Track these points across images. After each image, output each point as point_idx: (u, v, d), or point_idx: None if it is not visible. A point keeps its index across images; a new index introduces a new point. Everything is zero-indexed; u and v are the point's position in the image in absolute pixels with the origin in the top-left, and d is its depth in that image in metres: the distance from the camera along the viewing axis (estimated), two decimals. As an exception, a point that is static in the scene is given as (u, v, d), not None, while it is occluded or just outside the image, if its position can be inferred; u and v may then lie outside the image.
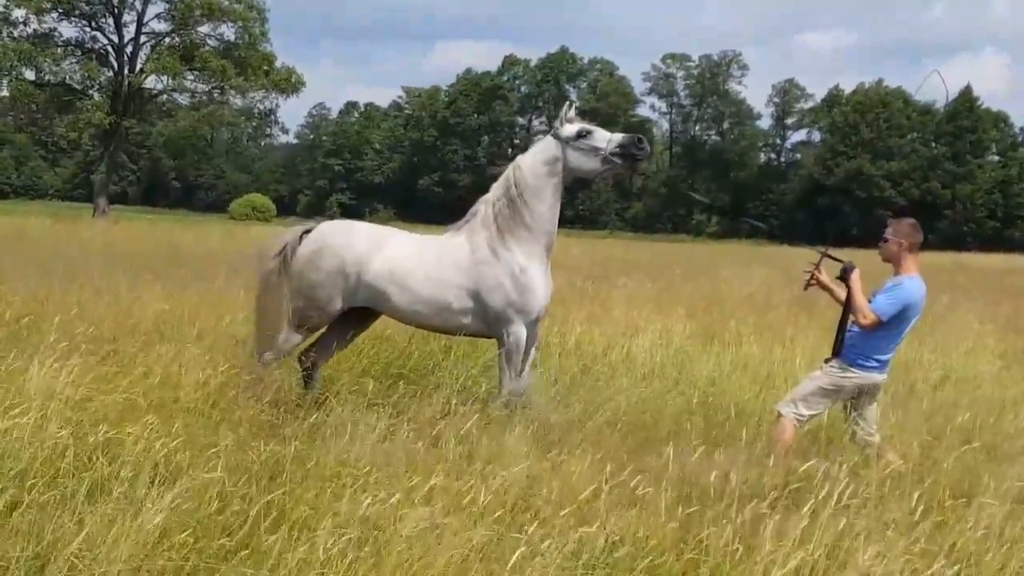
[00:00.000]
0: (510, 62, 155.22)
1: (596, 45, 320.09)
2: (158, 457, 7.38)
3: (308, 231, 10.81)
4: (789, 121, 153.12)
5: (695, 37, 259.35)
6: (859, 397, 9.67)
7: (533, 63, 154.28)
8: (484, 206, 10.55)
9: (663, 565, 6.54)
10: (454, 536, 6.36)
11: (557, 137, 10.31)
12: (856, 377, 9.57)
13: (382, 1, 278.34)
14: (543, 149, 10.43)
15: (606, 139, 10.20)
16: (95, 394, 8.54)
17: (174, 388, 9.35)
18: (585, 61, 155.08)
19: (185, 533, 6.28)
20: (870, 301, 9.48)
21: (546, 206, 10.30)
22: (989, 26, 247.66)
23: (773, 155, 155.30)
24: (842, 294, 9.82)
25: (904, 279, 9.54)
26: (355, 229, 10.85)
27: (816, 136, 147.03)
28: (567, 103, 10.76)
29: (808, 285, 10.01)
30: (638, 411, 10.43)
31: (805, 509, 7.04)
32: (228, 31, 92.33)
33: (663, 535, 6.75)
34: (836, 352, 9.74)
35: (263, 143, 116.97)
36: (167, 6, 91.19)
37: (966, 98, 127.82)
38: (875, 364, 9.61)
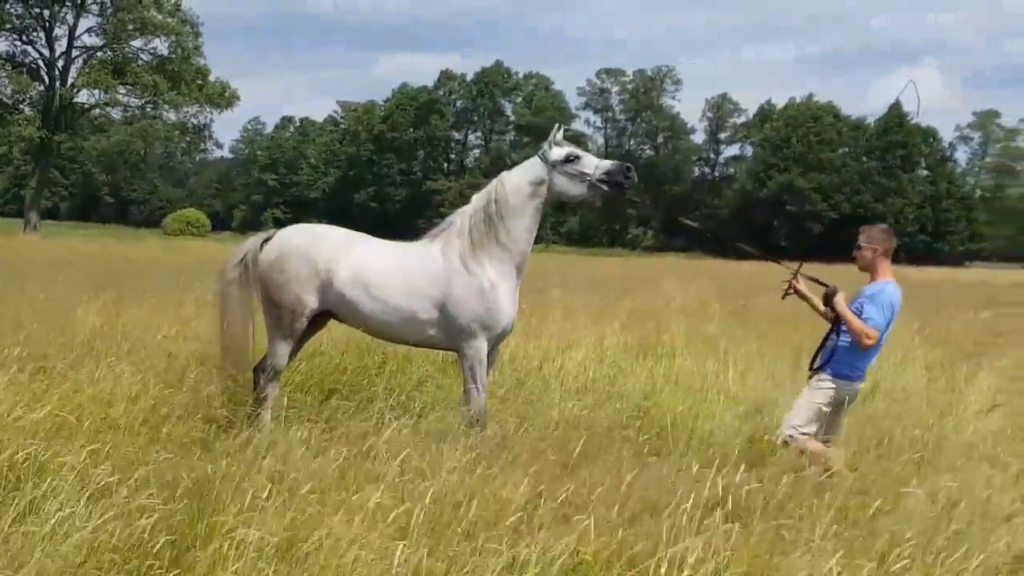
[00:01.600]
0: (446, 77, 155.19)
1: (532, 59, 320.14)
2: (87, 476, 7.31)
3: (269, 239, 10.70)
4: (723, 136, 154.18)
5: (630, 51, 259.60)
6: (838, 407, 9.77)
7: (469, 78, 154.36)
8: (460, 218, 10.40)
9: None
10: (382, 551, 6.35)
11: (545, 159, 10.20)
12: (847, 388, 9.67)
13: (316, 16, 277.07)
14: (529, 169, 10.31)
15: (594, 165, 10.12)
16: (24, 412, 8.45)
17: (105, 405, 9.27)
18: (520, 75, 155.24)
19: (113, 552, 6.23)
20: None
21: (524, 226, 10.22)
22: (925, 42, 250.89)
23: (707, 169, 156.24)
24: (820, 304, 9.94)
25: (883, 284, 9.64)
26: (322, 231, 10.74)
27: (749, 150, 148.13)
28: (556, 125, 10.68)
29: (786, 294, 10.09)
30: (571, 425, 10.45)
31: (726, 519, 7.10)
32: (161, 45, 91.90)
33: (595, 550, 6.77)
34: (814, 366, 9.81)
35: (197, 158, 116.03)
36: (99, 20, 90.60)
37: (896, 113, 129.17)
38: (860, 374, 9.74)
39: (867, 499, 8.17)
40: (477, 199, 10.42)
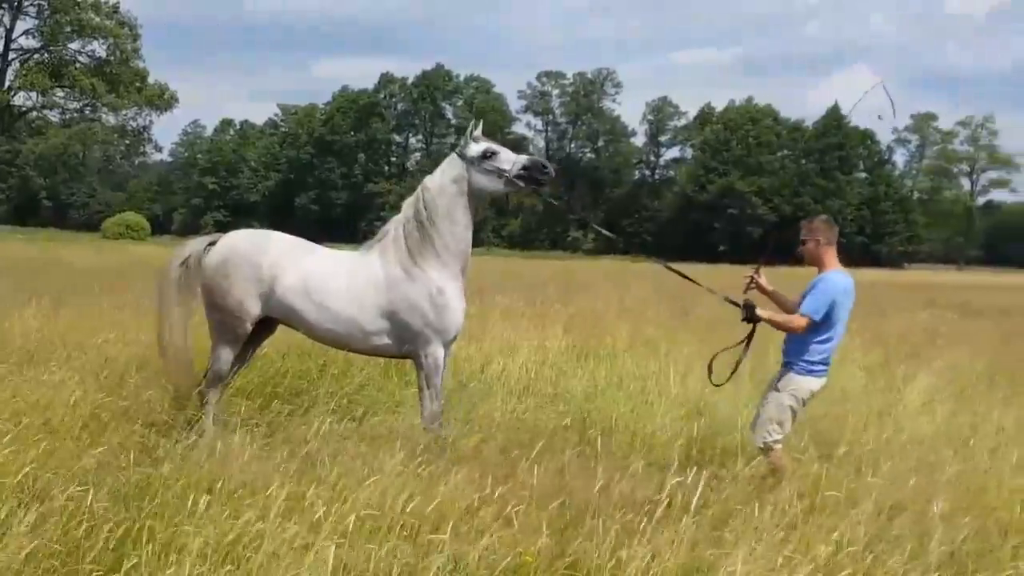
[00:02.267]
0: (387, 80, 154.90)
1: (472, 62, 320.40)
2: (25, 480, 7.26)
3: (213, 242, 10.59)
4: (663, 138, 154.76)
5: (571, 53, 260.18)
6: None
7: (410, 81, 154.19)
8: (394, 227, 10.28)
9: (537, 580, 6.60)
10: (323, 554, 6.35)
11: (462, 156, 10.07)
12: (814, 384, 9.65)
13: (256, 18, 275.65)
14: (448, 168, 10.17)
15: (511, 161, 9.98)
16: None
17: (44, 410, 9.20)
18: (461, 79, 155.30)
19: (52, 558, 6.20)
20: (799, 304, 9.62)
21: (459, 226, 10.07)
22: (863, 45, 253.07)
23: (647, 172, 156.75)
24: (779, 296, 9.98)
25: (828, 274, 9.57)
26: (268, 237, 10.62)
27: (690, 153, 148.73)
28: (473, 122, 10.56)
29: (748, 288, 10.06)
30: (514, 427, 10.46)
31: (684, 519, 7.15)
32: (99, 48, 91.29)
33: (537, 550, 6.79)
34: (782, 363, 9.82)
35: (136, 161, 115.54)
36: (36, 22, 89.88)
37: (834, 116, 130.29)
38: (822, 368, 9.66)
39: (807, 500, 8.25)
40: (407, 206, 10.31)
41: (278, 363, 12.56)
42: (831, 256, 9.70)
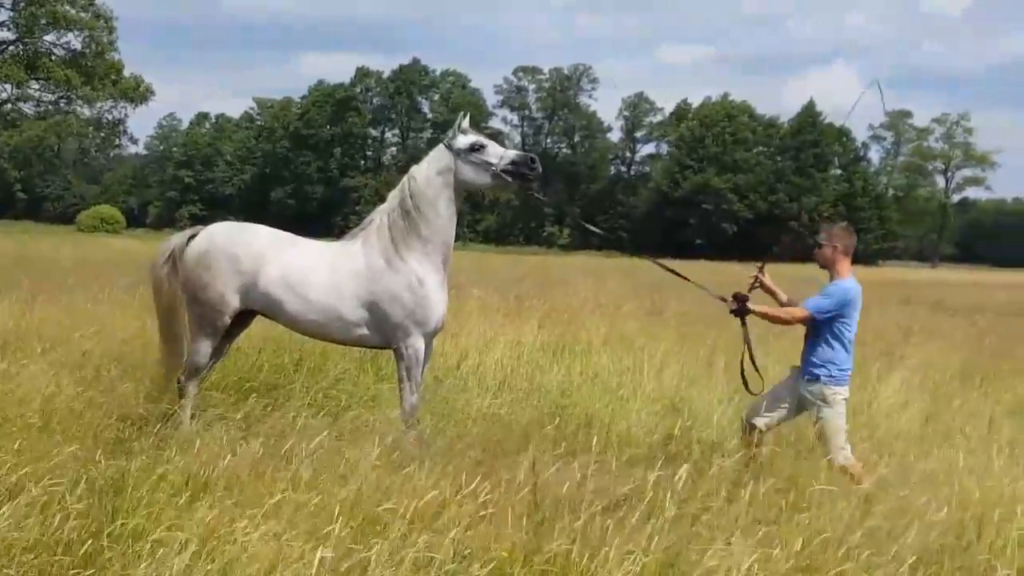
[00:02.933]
0: (363, 74, 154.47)
1: (448, 57, 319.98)
2: (-1, 474, 7.24)
3: (195, 235, 10.55)
4: (639, 134, 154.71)
5: (549, 49, 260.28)
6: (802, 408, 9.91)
7: (386, 75, 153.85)
8: (379, 216, 10.25)
9: None
10: (300, 550, 6.34)
11: (450, 148, 10.04)
12: (847, 391, 9.78)
13: (232, 12, 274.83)
14: (436, 159, 10.13)
15: (499, 155, 9.95)
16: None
17: (18, 404, 9.17)
18: (437, 73, 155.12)
19: (27, 551, 6.18)
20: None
21: (443, 218, 10.05)
22: (841, 42, 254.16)
23: (623, 168, 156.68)
24: (783, 297, 10.00)
25: (840, 281, 9.69)
26: (248, 229, 10.60)
27: (665, 149, 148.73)
28: (461, 113, 10.50)
29: (752, 287, 10.07)
30: (490, 422, 10.47)
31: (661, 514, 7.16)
32: (75, 40, 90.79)
33: (512, 546, 6.79)
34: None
35: (112, 154, 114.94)
36: (11, 14, 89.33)
37: (809, 113, 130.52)
38: (848, 375, 9.78)
39: (784, 496, 8.27)
40: (392, 196, 10.28)
41: (253, 357, 12.52)
42: (845, 264, 9.78)
